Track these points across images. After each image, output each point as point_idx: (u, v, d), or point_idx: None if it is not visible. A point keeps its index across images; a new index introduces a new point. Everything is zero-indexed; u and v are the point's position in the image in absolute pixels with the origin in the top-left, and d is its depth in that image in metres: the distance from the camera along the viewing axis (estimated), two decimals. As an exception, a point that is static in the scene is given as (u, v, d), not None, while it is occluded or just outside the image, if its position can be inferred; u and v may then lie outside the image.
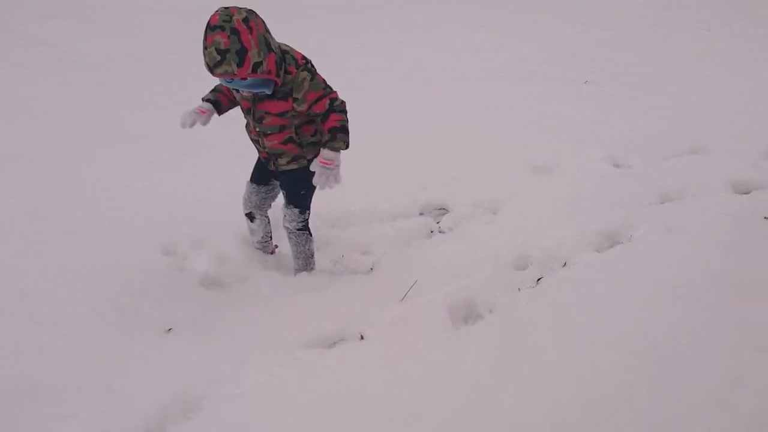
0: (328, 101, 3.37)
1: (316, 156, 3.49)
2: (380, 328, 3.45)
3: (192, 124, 3.48)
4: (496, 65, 8.09)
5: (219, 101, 3.56)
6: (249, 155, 3.77)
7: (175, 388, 2.95)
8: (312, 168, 3.46)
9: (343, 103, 3.42)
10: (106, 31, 8.24)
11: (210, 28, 2.98)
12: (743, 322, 3.40)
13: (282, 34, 3.47)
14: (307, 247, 3.88)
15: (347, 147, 3.43)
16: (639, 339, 3.29)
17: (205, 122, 3.53)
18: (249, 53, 3.01)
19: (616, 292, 3.69)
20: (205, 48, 3.00)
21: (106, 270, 3.67)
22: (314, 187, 3.57)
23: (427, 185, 4.92)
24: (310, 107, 3.34)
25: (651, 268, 3.91)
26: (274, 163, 3.58)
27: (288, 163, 3.56)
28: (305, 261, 3.92)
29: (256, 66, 3.05)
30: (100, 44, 7.78)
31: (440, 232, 4.55)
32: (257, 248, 4.09)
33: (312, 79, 3.29)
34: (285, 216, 3.77)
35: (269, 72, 3.12)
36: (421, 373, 3.09)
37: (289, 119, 3.39)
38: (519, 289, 3.82)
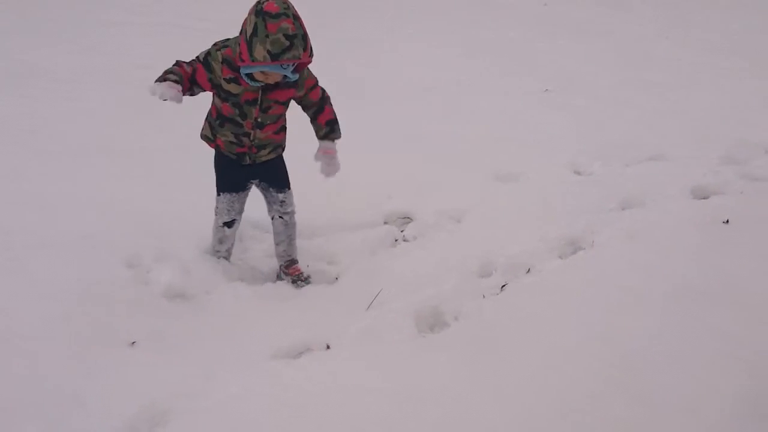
0: (320, 90, 3.61)
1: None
2: (346, 338, 3.45)
3: (167, 97, 3.16)
4: (461, 77, 8.15)
5: (183, 83, 3.27)
6: (208, 166, 3.78)
7: (142, 402, 2.92)
8: (316, 159, 3.70)
9: (328, 94, 3.67)
10: (72, 46, 8.14)
11: (271, 16, 3.04)
12: (708, 328, 3.43)
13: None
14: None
15: (341, 135, 3.72)
16: (602, 345, 3.31)
17: (179, 100, 3.22)
18: (308, 38, 3.16)
19: (579, 299, 3.72)
20: (266, 36, 3.03)
21: (70, 284, 3.63)
22: None
23: (391, 194, 4.94)
24: (306, 93, 3.55)
25: (613, 273, 3.94)
26: (251, 157, 3.65)
27: (269, 153, 3.68)
28: (296, 241, 4.09)
29: (311, 50, 3.20)
30: (66, 59, 7.68)
31: (405, 241, 4.57)
32: (222, 257, 4.07)
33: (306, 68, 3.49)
34: (284, 202, 3.88)
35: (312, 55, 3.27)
36: (387, 382, 3.08)
37: (286, 107, 3.56)
38: (484, 296, 3.84)
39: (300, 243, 4.31)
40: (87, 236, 4.08)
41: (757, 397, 2.99)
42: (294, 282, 4.06)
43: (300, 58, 3.13)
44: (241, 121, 3.47)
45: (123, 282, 3.75)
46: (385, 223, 4.75)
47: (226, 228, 3.94)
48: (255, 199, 3.97)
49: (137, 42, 8.49)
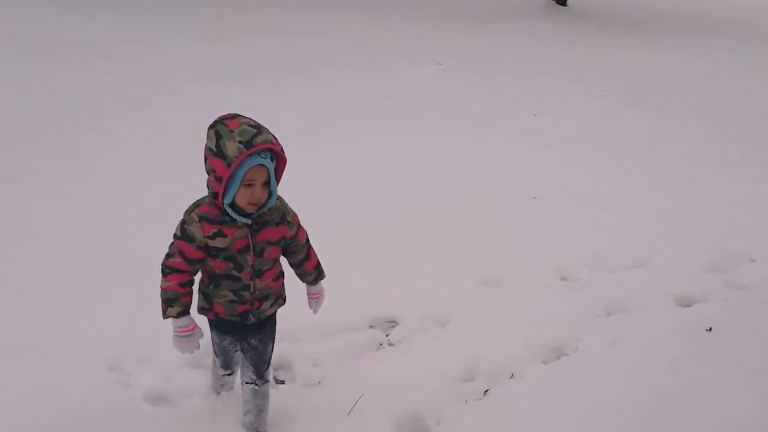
0: (305, 232, 3.47)
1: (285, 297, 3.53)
2: (326, 445, 3.42)
3: (194, 349, 3.33)
4: (446, 182, 8.25)
5: (186, 304, 3.25)
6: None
7: None
8: (310, 307, 3.66)
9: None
10: (60, 152, 8.23)
11: (227, 118, 2.94)
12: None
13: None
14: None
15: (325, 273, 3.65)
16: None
17: (200, 336, 3.33)
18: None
19: (562, 405, 3.73)
20: (231, 132, 2.86)
21: (49, 389, 3.63)
22: None
23: (378, 300, 4.95)
24: (297, 231, 3.39)
25: (596, 381, 3.96)
26: (255, 314, 3.34)
27: (271, 305, 3.41)
28: (265, 414, 3.67)
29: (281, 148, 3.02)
30: (55, 163, 7.71)
31: (389, 345, 4.57)
32: (222, 386, 3.84)
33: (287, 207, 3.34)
34: (258, 371, 3.53)
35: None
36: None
37: (280, 248, 3.32)
38: (466, 401, 3.83)
39: (284, 346, 4.30)
40: (68, 339, 4.09)
41: None
42: None
43: (273, 143, 2.93)
44: (238, 274, 3.18)
45: (103, 385, 3.74)
46: (371, 326, 4.75)
47: (227, 376, 3.77)
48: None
49: (127, 147, 8.56)
